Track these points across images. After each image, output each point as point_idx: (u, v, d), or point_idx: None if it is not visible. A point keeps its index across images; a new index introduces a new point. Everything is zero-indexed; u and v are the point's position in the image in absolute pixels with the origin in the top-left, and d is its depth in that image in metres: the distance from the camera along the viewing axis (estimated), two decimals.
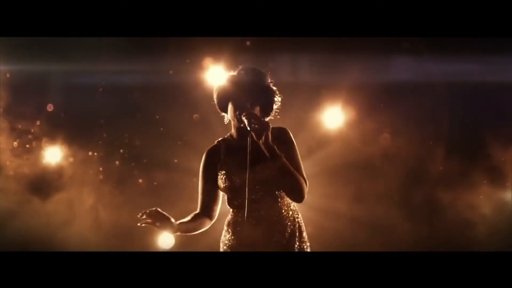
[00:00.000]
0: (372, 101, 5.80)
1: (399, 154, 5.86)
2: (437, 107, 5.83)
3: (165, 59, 5.80)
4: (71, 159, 5.95)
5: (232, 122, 3.02)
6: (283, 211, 3.02)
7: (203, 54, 5.89)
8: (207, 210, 3.12)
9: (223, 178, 2.99)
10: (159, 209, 2.92)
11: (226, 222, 3.17)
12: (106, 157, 5.95)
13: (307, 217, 5.84)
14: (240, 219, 3.03)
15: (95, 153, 5.94)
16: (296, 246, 3.02)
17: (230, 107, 2.96)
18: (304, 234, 3.12)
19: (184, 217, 3.09)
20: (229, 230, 3.14)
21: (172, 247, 5.83)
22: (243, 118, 2.80)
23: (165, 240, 5.83)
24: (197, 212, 3.16)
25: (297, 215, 3.11)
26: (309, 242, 3.28)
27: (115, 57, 5.75)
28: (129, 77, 5.93)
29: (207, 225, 3.19)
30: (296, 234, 3.02)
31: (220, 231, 3.40)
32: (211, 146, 3.14)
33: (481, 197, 5.86)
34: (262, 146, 2.78)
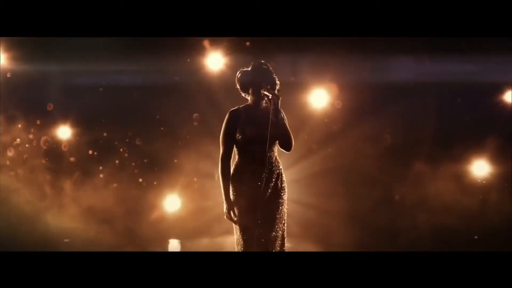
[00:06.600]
0: (372, 101, 5.81)
1: (399, 154, 5.87)
2: (437, 107, 5.84)
3: (165, 59, 5.81)
4: (71, 158, 5.97)
5: (250, 97, 4.10)
6: (277, 156, 4.13)
7: (203, 54, 5.92)
8: (228, 154, 4.06)
9: (241, 132, 4.00)
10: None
11: (234, 169, 4.07)
12: (106, 157, 5.96)
13: (307, 216, 5.94)
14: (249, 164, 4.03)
15: (95, 152, 5.95)
16: (273, 180, 4.03)
17: (251, 88, 4.08)
18: (283, 182, 4.13)
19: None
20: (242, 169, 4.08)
21: (172, 247, 5.85)
22: (265, 93, 3.98)
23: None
24: (223, 165, 4.06)
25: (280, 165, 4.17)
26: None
27: (115, 57, 5.77)
28: (129, 77, 5.94)
29: None
30: (280, 176, 4.09)
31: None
32: (234, 108, 4.10)
33: (480, 197, 5.88)
34: (275, 110, 3.97)
